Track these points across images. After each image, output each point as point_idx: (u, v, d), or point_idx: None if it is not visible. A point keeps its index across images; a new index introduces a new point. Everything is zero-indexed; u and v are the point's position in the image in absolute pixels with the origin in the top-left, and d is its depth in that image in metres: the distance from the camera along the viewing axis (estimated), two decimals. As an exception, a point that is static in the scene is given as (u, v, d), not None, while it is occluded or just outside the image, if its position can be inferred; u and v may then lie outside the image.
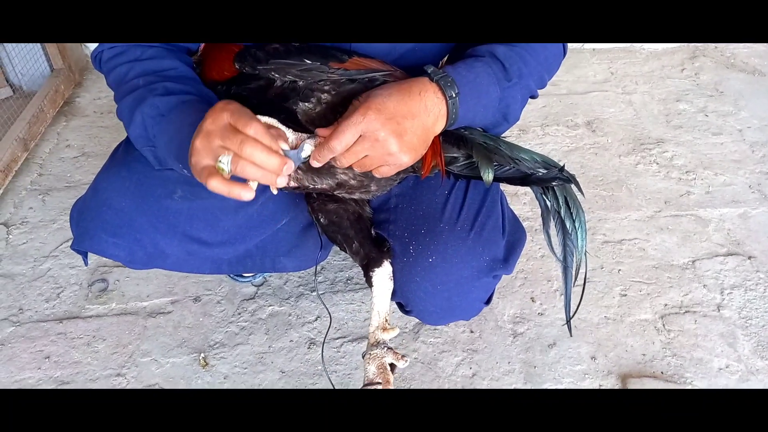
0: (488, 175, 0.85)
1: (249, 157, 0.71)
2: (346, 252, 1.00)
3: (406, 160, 0.80)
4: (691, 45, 2.31)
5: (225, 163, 0.71)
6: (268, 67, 0.84)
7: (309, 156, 0.80)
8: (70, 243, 1.48)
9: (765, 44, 2.30)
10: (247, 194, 0.72)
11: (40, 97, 1.84)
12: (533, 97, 0.93)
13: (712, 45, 2.31)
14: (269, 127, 0.77)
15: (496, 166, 0.86)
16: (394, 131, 0.78)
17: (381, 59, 0.90)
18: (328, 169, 0.87)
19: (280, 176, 0.74)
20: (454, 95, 0.81)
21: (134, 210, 0.93)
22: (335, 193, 0.94)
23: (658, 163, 1.76)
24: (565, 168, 0.87)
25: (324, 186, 0.90)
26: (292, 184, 0.90)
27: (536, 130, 1.90)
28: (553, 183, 0.87)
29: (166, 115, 0.83)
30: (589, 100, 2.03)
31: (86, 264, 1.04)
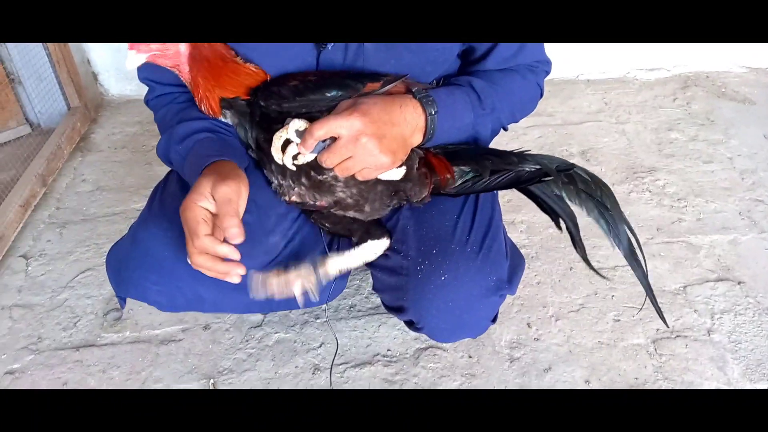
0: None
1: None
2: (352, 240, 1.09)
3: (386, 161, 0.88)
4: (683, 75, 2.38)
5: None
6: (293, 105, 0.91)
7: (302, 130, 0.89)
8: (86, 274, 1.57)
9: (755, 73, 2.38)
10: (233, 277, 0.85)
11: (57, 135, 1.93)
12: (504, 129, 1.04)
13: (704, 74, 2.38)
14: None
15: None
16: (374, 134, 0.86)
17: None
18: (329, 186, 0.96)
19: (235, 272, 0.86)
20: (433, 113, 0.91)
21: (176, 260, 1.00)
22: (332, 210, 1.02)
23: (650, 191, 1.82)
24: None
25: (323, 203, 0.99)
26: (295, 199, 0.99)
27: (532, 160, 1.97)
28: (563, 171, 0.98)
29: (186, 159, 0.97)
30: (584, 130, 2.10)
31: (122, 308, 1.12)
